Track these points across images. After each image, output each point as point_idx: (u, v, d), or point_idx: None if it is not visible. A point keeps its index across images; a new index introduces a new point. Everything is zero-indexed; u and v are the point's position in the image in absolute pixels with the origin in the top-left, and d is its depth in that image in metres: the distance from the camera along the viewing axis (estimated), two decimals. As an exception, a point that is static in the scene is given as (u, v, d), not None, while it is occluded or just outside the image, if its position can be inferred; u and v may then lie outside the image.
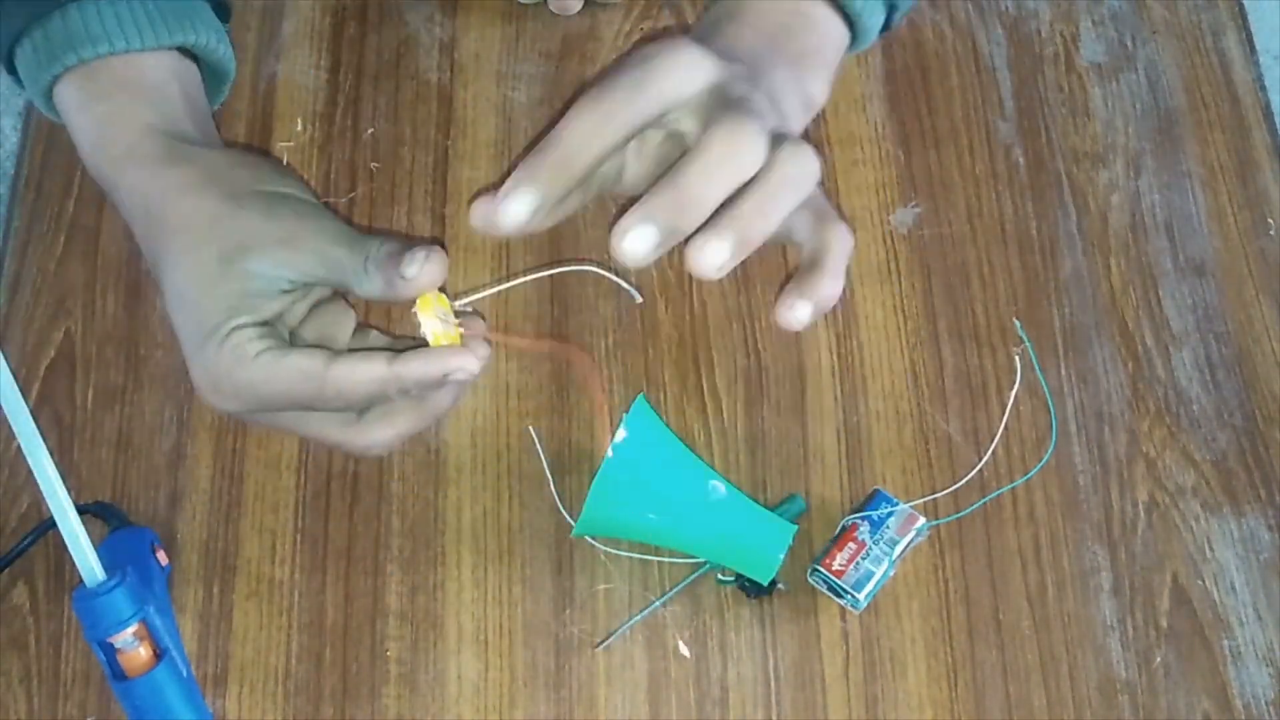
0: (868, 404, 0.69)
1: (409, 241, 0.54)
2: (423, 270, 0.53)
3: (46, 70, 0.57)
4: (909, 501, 0.66)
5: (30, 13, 0.57)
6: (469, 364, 0.54)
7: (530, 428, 0.68)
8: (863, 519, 0.65)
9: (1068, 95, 0.79)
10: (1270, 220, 0.75)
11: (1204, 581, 0.66)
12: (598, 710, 0.63)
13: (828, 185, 0.74)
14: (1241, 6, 0.82)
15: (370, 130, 0.76)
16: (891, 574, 0.64)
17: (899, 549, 0.64)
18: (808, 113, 0.57)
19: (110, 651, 0.57)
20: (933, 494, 0.68)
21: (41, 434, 0.53)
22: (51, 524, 0.56)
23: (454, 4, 0.80)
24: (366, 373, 0.52)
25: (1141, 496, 0.68)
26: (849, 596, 0.63)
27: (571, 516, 0.66)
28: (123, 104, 0.57)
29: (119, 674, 0.57)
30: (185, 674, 0.59)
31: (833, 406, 0.69)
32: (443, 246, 0.55)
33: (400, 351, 0.54)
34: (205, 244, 0.52)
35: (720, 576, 0.65)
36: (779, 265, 0.72)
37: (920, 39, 0.80)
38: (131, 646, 0.57)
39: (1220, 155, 0.77)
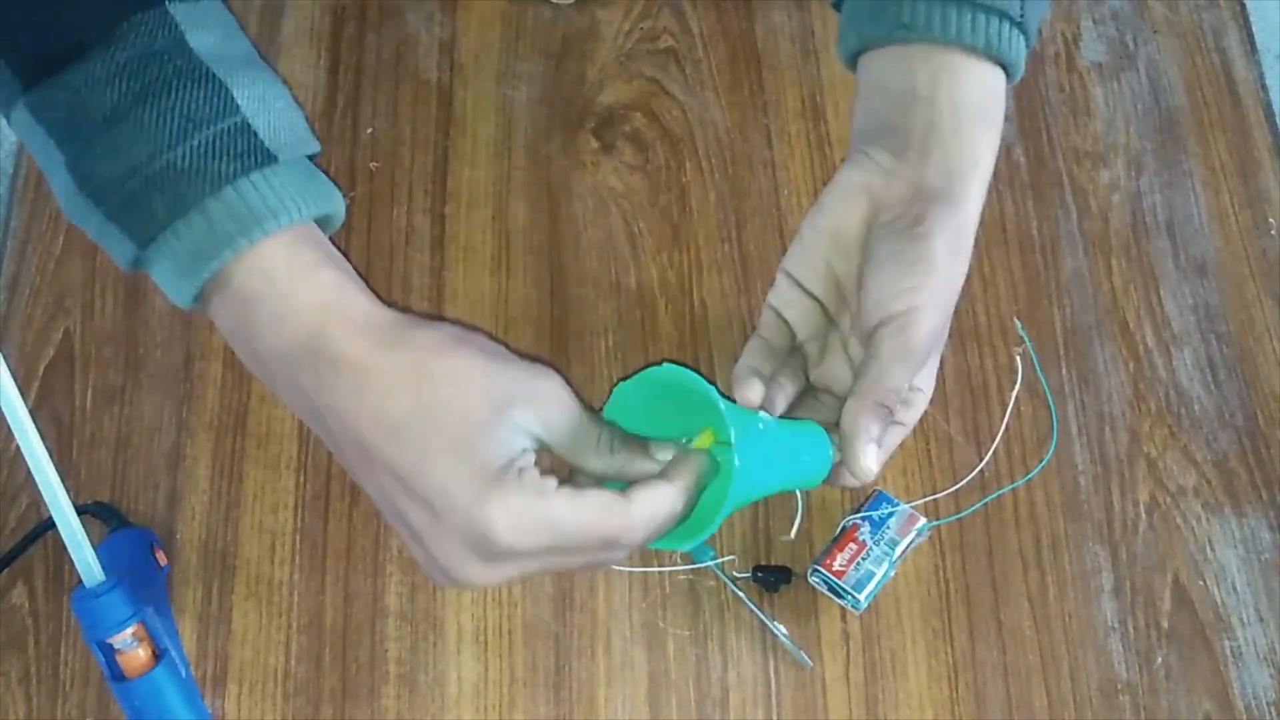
0: (868, 404, 0.69)
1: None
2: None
3: (213, 258, 0.50)
4: (910, 502, 0.66)
5: (170, 205, 0.50)
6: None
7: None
8: (863, 519, 0.64)
9: (1069, 95, 0.79)
10: (1271, 220, 0.75)
11: (1205, 582, 0.66)
12: (598, 710, 0.63)
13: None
14: (1243, 6, 0.82)
15: (370, 130, 0.76)
16: (892, 574, 0.64)
17: (900, 549, 0.64)
18: (983, 176, 0.58)
19: (109, 652, 0.57)
20: (933, 494, 0.67)
21: (40, 434, 0.53)
22: (51, 524, 0.56)
23: (454, 4, 0.80)
24: (665, 501, 0.52)
25: (1143, 497, 0.68)
26: (849, 597, 0.63)
27: None
28: (325, 273, 0.52)
29: (118, 674, 0.57)
30: (184, 674, 0.59)
31: (833, 406, 0.69)
32: None
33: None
34: (478, 393, 0.51)
35: (736, 571, 0.65)
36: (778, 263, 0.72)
37: (921, 38, 0.80)
38: (130, 647, 0.57)
39: (1221, 155, 0.77)
